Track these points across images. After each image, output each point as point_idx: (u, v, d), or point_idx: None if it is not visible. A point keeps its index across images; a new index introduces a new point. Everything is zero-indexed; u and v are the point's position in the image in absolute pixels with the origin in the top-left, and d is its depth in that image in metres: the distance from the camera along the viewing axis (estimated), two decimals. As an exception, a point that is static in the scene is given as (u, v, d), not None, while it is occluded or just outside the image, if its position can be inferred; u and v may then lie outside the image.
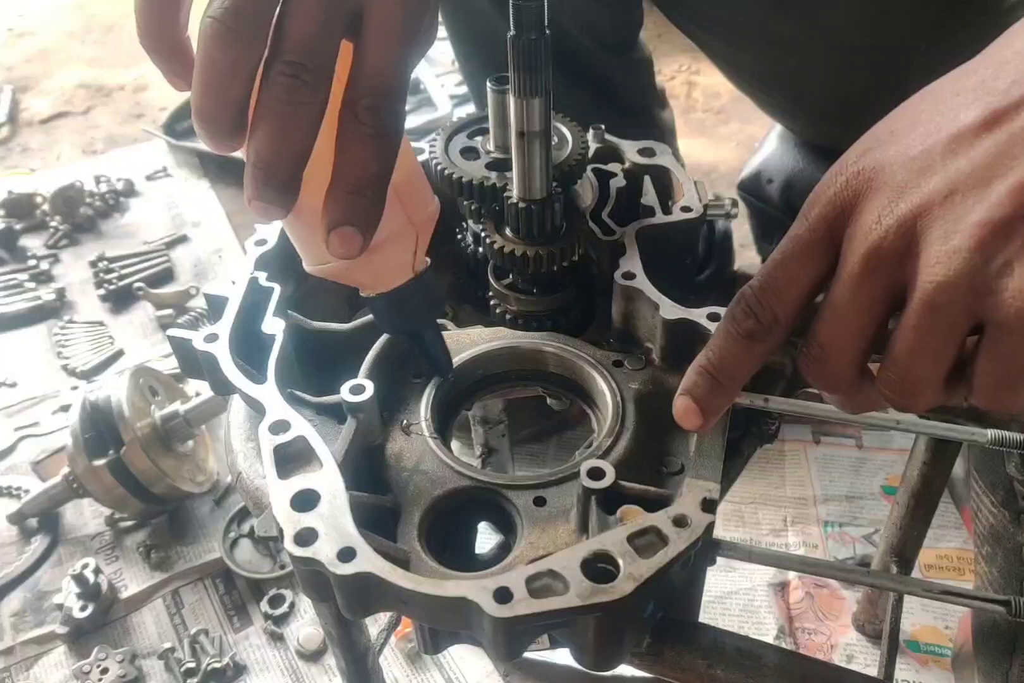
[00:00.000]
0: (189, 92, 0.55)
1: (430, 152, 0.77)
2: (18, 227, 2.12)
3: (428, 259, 0.66)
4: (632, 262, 0.74)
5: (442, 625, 0.64)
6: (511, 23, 0.61)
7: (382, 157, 0.55)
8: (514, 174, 0.71)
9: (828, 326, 0.52)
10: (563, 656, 0.67)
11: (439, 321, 0.79)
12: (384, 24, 0.54)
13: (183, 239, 2.12)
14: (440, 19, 0.69)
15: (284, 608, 1.38)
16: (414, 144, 0.89)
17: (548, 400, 0.80)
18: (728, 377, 0.56)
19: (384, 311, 0.67)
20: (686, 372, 0.58)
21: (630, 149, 0.85)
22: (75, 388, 1.75)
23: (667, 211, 0.80)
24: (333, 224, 0.54)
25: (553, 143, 0.72)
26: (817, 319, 0.53)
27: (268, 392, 0.65)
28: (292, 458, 0.61)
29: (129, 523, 1.52)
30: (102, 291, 1.96)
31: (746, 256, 1.71)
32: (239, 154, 0.56)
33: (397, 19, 0.54)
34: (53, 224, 2.11)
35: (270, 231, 0.78)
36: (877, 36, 1.10)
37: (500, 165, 0.75)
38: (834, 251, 0.52)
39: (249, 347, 0.70)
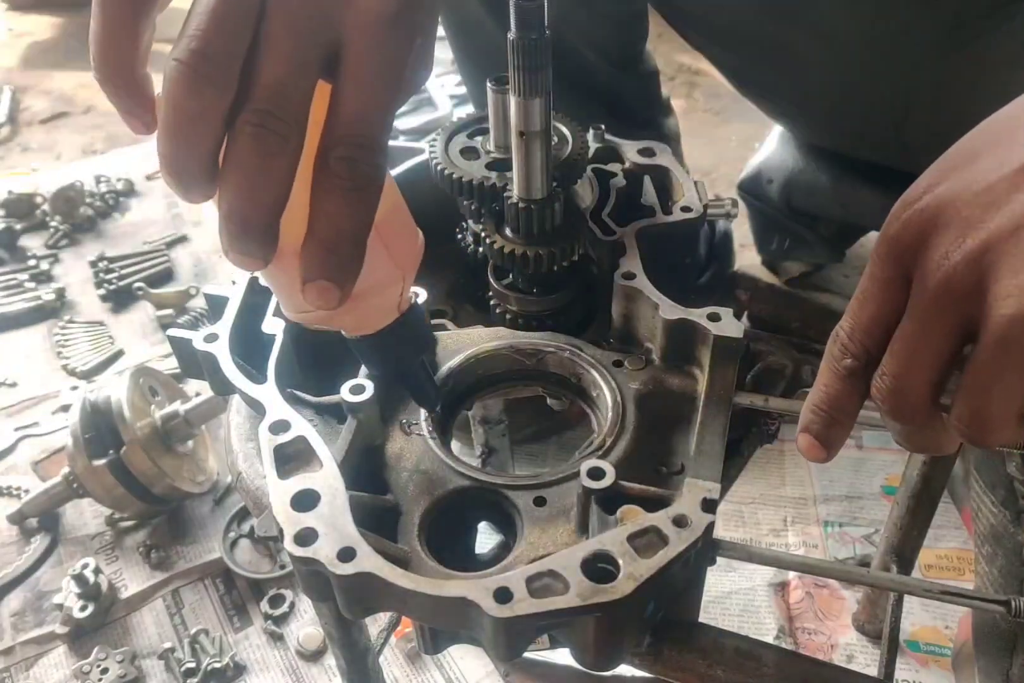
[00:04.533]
0: (148, 135, 0.52)
1: (430, 152, 0.77)
2: (18, 227, 2.11)
3: (417, 293, 0.63)
4: (632, 262, 0.74)
5: (442, 625, 0.64)
6: (511, 23, 0.61)
7: (358, 212, 0.51)
8: (514, 174, 0.71)
9: (899, 359, 0.52)
10: (563, 656, 0.67)
11: (436, 321, 0.79)
12: (361, 67, 0.50)
13: (183, 239, 2.11)
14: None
15: (284, 608, 1.38)
16: (414, 144, 0.89)
17: (548, 400, 0.80)
18: (840, 411, 0.56)
19: (368, 353, 0.64)
20: (801, 410, 0.58)
21: (630, 149, 0.85)
22: (75, 388, 1.75)
23: (667, 211, 0.80)
24: (309, 278, 0.51)
25: (553, 143, 0.72)
26: (889, 351, 0.53)
27: (268, 392, 0.65)
28: (292, 458, 0.61)
29: (129, 523, 1.51)
30: (102, 291, 1.95)
31: (746, 256, 1.71)
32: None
33: (376, 60, 0.50)
34: (53, 224, 2.11)
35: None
36: (885, 46, 1.09)
37: (500, 165, 0.75)
38: (908, 286, 0.52)
39: (249, 347, 0.70)
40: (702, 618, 0.67)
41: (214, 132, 0.48)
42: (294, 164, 0.49)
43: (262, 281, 0.58)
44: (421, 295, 0.66)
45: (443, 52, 2.48)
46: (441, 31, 1.36)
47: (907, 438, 0.56)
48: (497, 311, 0.81)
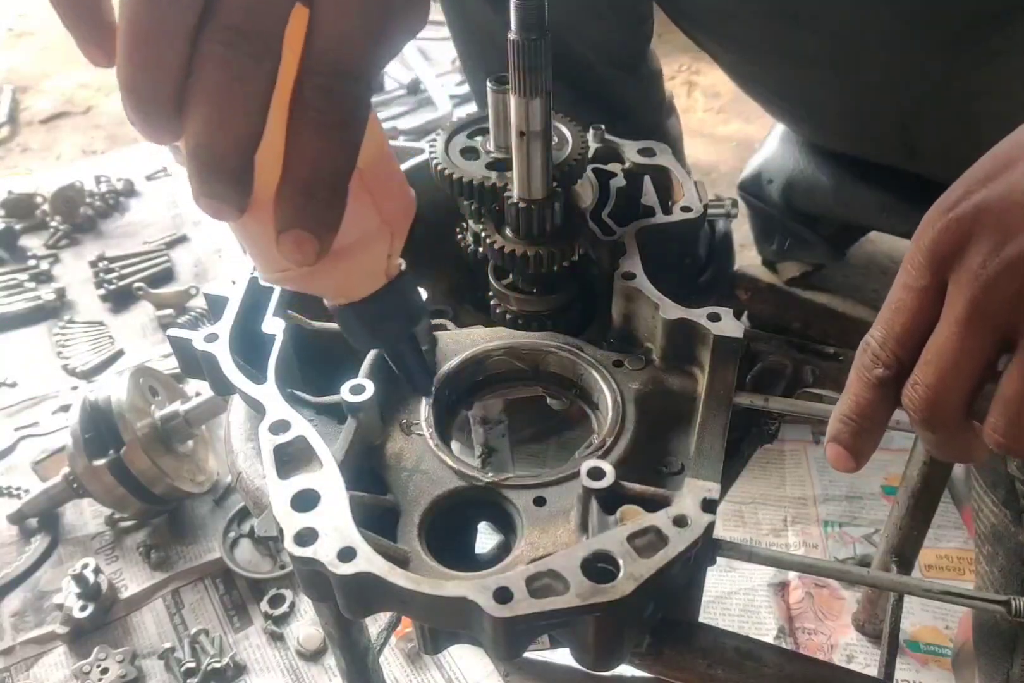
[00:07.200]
0: (108, 67, 0.45)
1: (430, 152, 0.77)
2: (18, 227, 2.11)
3: (403, 262, 0.57)
4: (632, 262, 0.74)
5: (442, 625, 0.64)
6: (511, 23, 0.61)
7: (338, 150, 0.45)
8: (514, 174, 0.71)
9: (934, 368, 0.51)
10: (563, 656, 0.67)
11: (436, 321, 0.79)
12: None
13: (183, 239, 2.11)
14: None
15: (284, 608, 1.38)
16: (414, 144, 0.89)
17: (548, 400, 0.80)
18: (870, 421, 0.56)
19: (352, 323, 0.58)
20: (830, 420, 0.57)
21: (630, 149, 0.85)
22: (75, 388, 1.75)
23: (667, 211, 0.80)
24: (284, 226, 0.46)
25: (553, 143, 0.72)
26: (923, 361, 0.52)
27: (268, 392, 0.65)
28: (292, 458, 0.61)
29: (129, 523, 1.51)
30: (102, 291, 1.95)
31: (746, 256, 1.71)
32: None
33: None
34: (53, 224, 2.11)
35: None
36: (896, 46, 1.09)
37: (500, 165, 0.75)
38: (942, 295, 0.51)
39: (249, 347, 0.70)
40: (702, 618, 0.67)
41: (182, 50, 0.42)
42: (268, 90, 0.43)
43: (235, 238, 0.52)
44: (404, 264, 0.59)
45: (445, 53, 2.49)
46: (445, 31, 1.37)
47: (937, 446, 0.55)
48: (497, 311, 0.81)
